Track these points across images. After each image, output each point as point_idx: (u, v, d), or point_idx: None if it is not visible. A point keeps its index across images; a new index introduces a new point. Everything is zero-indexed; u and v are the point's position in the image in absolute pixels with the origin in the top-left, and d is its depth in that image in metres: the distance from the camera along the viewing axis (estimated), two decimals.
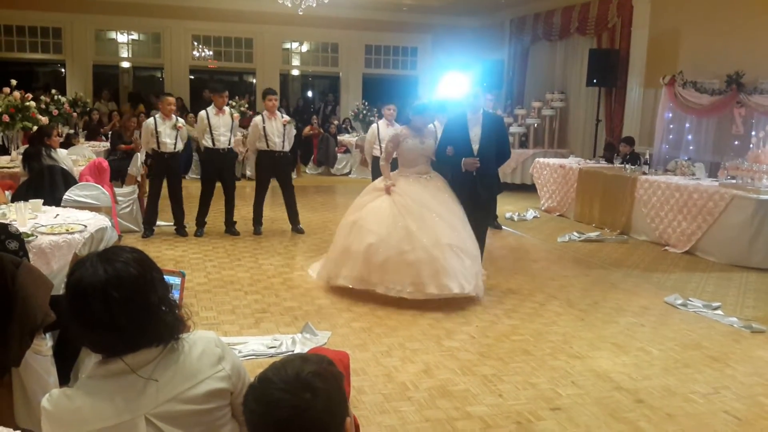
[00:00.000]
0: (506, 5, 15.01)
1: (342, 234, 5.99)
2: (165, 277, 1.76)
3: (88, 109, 13.42)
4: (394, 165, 6.31)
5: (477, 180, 6.10)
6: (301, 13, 9.32)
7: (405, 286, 5.51)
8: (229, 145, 8.04)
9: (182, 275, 2.20)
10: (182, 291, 2.17)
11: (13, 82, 7.57)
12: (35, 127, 7.36)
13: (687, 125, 10.45)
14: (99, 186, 5.66)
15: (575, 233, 8.86)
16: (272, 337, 4.74)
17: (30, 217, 4.34)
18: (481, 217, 6.33)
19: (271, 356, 4.44)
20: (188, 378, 1.68)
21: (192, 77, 16.65)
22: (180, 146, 7.89)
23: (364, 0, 14.79)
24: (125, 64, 17.04)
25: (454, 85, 12.77)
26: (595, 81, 11.93)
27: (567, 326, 5.25)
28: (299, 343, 4.64)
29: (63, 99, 10.64)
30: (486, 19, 16.37)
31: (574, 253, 7.97)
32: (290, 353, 4.49)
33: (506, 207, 10.68)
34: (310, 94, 21.62)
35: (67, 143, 9.66)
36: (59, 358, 3.53)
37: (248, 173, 13.76)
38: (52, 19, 14.87)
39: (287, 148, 8.31)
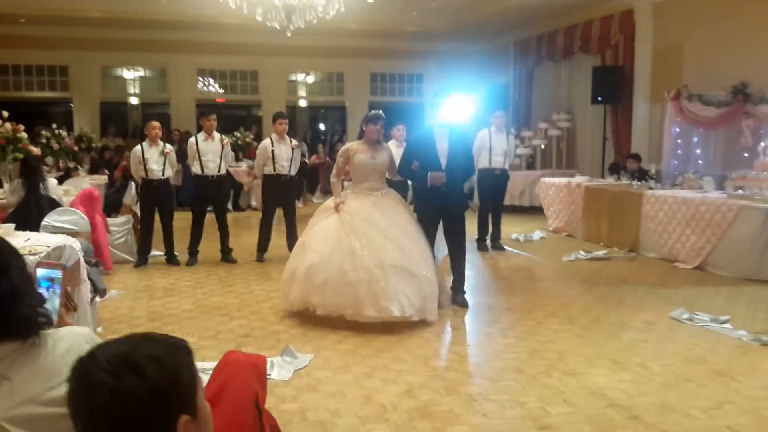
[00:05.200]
0: (510, 28, 14.94)
1: (292, 256, 5.83)
2: (44, 270, 1.59)
3: (93, 145, 13.45)
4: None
5: (446, 195, 5.86)
6: (289, 35, 9.25)
7: (344, 309, 5.28)
8: (219, 171, 7.89)
9: (65, 268, 2.01)
10: (65, 285, 1.97)
11: (5, 113, 7.54)
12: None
13: (695, 139, 10.22)
14: (77, 211, 5.56)
15: (581, 252, 8.59)
16: None
17: None
18: (455, 235, 6.08)
19: None
20: (48, 377, 1.49)
21: (199, 112, 16.71)
22: (169, 173, 7.76)
23: (367, 28, 14.80)
24: (134, 101, 17.16)
25: (459, 107, 12.61)
26: (599, 99, 11.75)
27: (564, 343, 4.99)
28: (277, 366, 4.42)
29: (63, 133, 10.65)
30: (490, 43, 16.31)
31: (580, 271, 7.70)
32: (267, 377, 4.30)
33: (513, 228, 10.45)
34: (322, 126, 21.62)
35: (67, 175, 9.64)
36: None
37: (253, 203, 13.68)
38: (59, 57, 15.04)
39: (293, 172, 8.20)
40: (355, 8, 12.22)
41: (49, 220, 5.27)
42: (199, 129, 8.16)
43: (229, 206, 13.45)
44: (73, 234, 5.10)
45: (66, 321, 1.80)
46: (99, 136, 15.11)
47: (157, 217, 7.81)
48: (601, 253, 8.58)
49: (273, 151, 7.97)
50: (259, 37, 14.49)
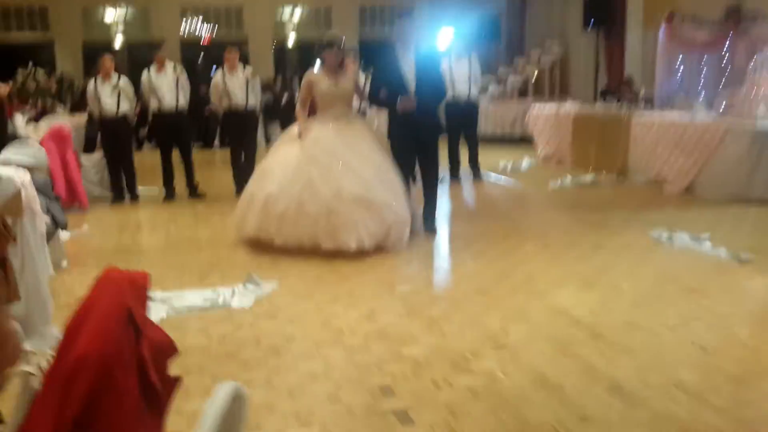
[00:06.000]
0: None
1: (252, 181, 5.69)
2: None
3: (75, 85, 13.18)
4: None
5: (418, 122, 5.63)
6: None
7: (302, 240, 5.19)
8: (177, 104, 7.62)
9: None
10: None
11: None
12: None
13: (688, 63, 9.88)
14: (35, 145, 5.38)
15: (568, 178, 8.42)
16: (212, 290, 4.44)
17: None
18: (429, 163, 5.89)
19: (206, 308, 4.15)
20: None
21: (184, 51, 16.32)
22: (125, 107, 7.55)
23: None
24: (119, 42, 16.74)
25: (447, 38, 12.33)
26: (591, 22, 11.37)
27: (536, 266, 4.86)
28: (239, 294, 4.33)
29: (39, 74, 10.43)
30: None
31: (565, 197, 7.57)
32: (226, 306, 4.21)
33: (502, 157, 10.25)
34: (317, 65, 21.14)
35: (44, 114, 9.48)
36: None
37: None
38: None
39: (252, 103, 7.91)
40: None
41: (6, 153, 5.09)
42: (188, 69, 7.95)
43: (217, 143, 13.31)
44: (30, 168, 4.94)
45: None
46: (83, 77, 14.80)
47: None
48: (588, 178, 8.41)
49: (225, 84, 7.70)
50: None
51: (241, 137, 7.96)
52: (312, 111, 6.02)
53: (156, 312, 4.07)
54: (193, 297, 4.32)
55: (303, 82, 5.88)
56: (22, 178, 4.13)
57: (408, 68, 5.68)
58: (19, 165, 4.82)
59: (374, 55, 7.51)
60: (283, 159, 5.55)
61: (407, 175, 5.80)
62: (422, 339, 3.57)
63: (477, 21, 15.04)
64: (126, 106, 7.59)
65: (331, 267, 4.94)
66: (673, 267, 4.74)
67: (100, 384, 1.45)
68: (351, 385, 3.07)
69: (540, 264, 4.91)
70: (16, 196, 3.58)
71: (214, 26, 16.30)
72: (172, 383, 1.91)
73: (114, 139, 7.59)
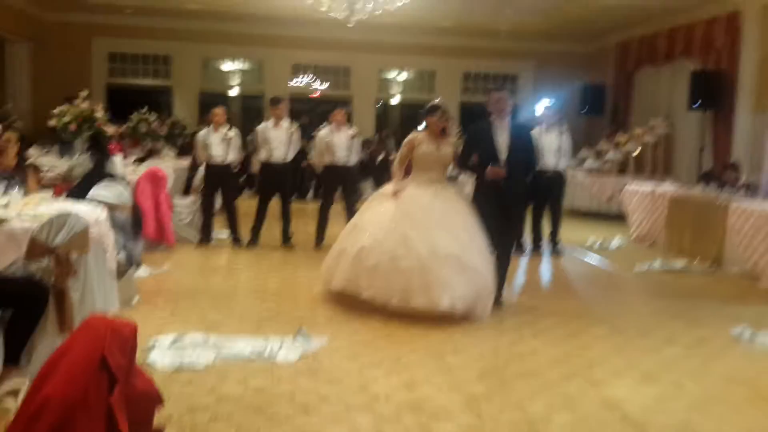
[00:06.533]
0: (610, 30, 14.31)
1: (342, 236, 5.71)
2: None
3: (185, 132, 13.95)
4: None
5: (505, 191, 5.55)
6: (350, 26, 9.18)
7: (393, 294, 5.09)
8: (285, 159, 7.91)
9: None
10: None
11: (83, 93, 7.95)
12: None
13: None
14: (121, 186, 5.69)
15: (657, 262, 8.01)
16: (262, 340, 4.48)
17: (27, 206, 4.33)
18: (509, 232, 5.79)
19: (252, 358, 4.19)
20: None
21: (292, 104, 16.99)
22: (232, 158, 7.88)
23: (460, 26, 14.59)
24: (234, 92, 17.70)
25: (542, 107, 12.22)
26: (698, 105, 10.97)
27: (599, 352, 4.61)
28: (286, 348, 4.34)
29: (151, 118, 11.13)
30: (589, 44, 15.67)
31: (650, 282, 7.20)
32: (272, 358, 4.24)
33: (593, 234, 9.93)
34: (421, 127, 21.51)
35: (149, 156, 10.06)
36: (11, 335, 3.46)
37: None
38: (162, 47, 15.71)
39: (352, 161, 8.17)
40: (446, 5, 12.17)
41: (94, 192, 5.43)
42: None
43: (311, 195, 13.66)
44: (112, 207, 5.23)
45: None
46: (197, 123, 15.65)
47: None
48: (678, 265, 7.96)
49: (331, 141, 7.96)
50: (351, 33, 14.60)
51: (335, 191, 8.22)
52: (406, 172, 6.08)
53: (205, 356, 4.17)
54: (243, 345, 4.38)
55: (406, 140, 5.89)
56: (98, 215, 4.39)
57: (502, 138, 5.65)
58: (102, 202, 5.14)
59: (470, 122, 7.54)
60: (376, 215, 5.60)
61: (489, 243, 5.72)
62: (457, 417, 3.44)
63: (582, 91, 14.95)
64: (233, 156, 7.94)
65: (385, 330, 4.89)
66: (747, 369, 4.37)
67: (61, 427, 1.48)
68: None
69: (604, 351, 4.66)
70: (84, 232, 3.78)
71: (322, 83, 16.92)
72: None
73: (218, 185, 7.93)
